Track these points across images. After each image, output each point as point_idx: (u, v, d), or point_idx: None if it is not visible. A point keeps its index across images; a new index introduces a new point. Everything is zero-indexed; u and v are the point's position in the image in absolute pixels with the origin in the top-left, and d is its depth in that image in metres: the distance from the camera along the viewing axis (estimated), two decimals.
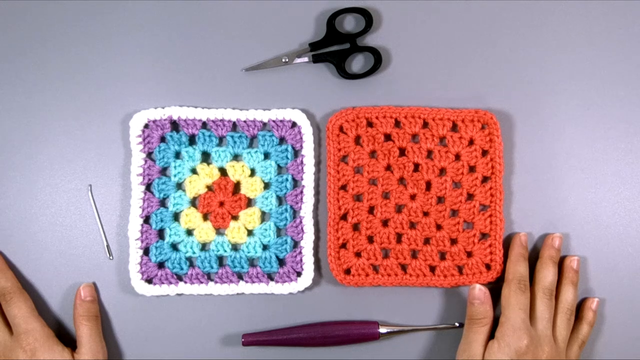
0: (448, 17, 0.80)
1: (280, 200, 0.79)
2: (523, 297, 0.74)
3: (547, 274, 0.75)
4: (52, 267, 0.78)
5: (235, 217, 0.78)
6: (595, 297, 0.78)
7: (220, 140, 0.79)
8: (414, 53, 0.80)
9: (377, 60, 0.78)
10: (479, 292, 0.75)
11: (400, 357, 0.78)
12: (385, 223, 0.78)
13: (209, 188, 0.78)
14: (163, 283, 0.77)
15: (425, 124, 0.78)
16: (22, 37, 0.79)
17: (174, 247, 0.78)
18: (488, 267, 0.78)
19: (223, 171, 0.78)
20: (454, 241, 0.78)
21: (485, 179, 0.78)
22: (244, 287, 0.77)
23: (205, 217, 0.78)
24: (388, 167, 0.78)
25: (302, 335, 0.76)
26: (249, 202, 0.79)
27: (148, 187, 0.78)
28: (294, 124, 0.79)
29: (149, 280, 0.78)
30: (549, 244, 0.77)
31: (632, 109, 0.80)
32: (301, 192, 0.78)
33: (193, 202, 0.78)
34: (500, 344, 0.72)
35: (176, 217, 0.78)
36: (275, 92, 0.79)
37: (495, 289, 0.76)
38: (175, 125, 0.79)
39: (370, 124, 0.78)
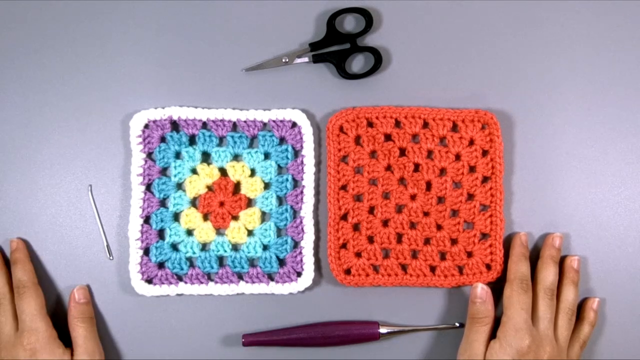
0: (448, 17, 0.80)
1: (280, 200, 0.79)
2: (525, 297, 0.74)
3: (548, 274, 0.75)
4: (52, 267, 0.78)
5: (235, 217, 0.78)
6: (596, 297, 0.78)
7: (221, 140, 0.79)
8: (414, 53, 0.80)
9: (377, 60, 0.78)
10: (482, 291, 0.75)
11: (401, 357, 0.78)
12: (385, 223, 0.78)
13: (209, 188, 0.78)
14: (163, 283, 0.77)
15: (425, 124, 0.78)
16: (22, 37, 0.79)
17: (174, 247, 0.78)
18: (488, 267, 0.78)
19: (223, 171, 0.78)
20: (454, 241, 0.78)
21: (485, 179, 0.78)
22: (244, 287, 0.77)
23: (205, 217, 0.78)
24: (388, 167, 0.78)
25: (302, 336, 0.76)
26: (249, 202, 0.79)
27: (148, 187, 0.78)
28: (294, 124, 0.78)
29: (149, 281, 0.77)
30: (550, 243, 0.77)
31: (632, 109, 0.80)
32: (301, 192, 0.78)
33: (193, 202, 0.78)
34: (502, 343, 0.72)
35: (176, 217, 0.78)
36: (275, 92, 0.79)
37: (496, 289, 0.76)
38: (175, 125, 0.79)
39: (370, 124, 0.78)
